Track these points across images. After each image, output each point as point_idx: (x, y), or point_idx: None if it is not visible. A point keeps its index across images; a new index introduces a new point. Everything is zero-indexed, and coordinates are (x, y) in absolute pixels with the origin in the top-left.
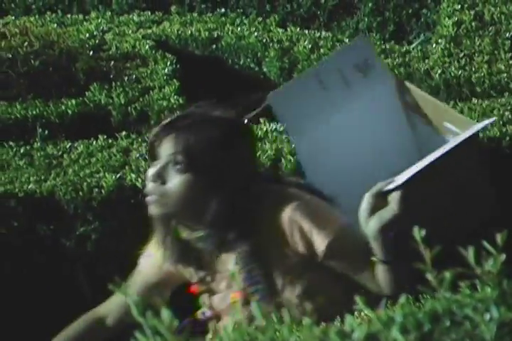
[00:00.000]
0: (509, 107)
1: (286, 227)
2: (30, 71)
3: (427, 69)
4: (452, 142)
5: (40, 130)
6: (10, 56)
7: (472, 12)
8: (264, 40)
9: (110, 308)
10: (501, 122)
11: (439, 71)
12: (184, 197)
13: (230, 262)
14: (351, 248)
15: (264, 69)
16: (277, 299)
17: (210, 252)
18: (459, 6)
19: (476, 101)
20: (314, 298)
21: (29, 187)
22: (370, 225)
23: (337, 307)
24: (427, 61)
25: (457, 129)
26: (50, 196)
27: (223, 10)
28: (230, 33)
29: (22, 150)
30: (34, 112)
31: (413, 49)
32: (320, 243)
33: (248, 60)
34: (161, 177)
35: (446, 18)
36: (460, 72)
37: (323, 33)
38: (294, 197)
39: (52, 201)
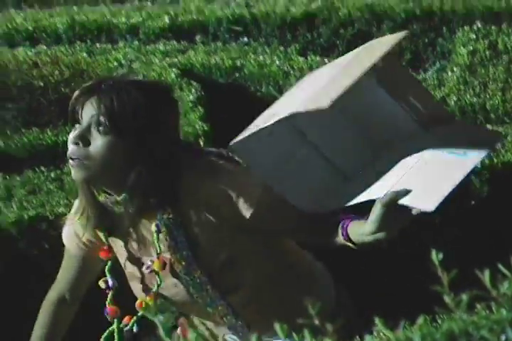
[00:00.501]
0: None
1: (212, 195)
2: (60, 98)
3: (443, 97)
4: (471, 160)
5: None
6: (42, 84)
7: (486, 41)
8: (285, 69)
9: (63, 286)
10: None
11: (455, 98)
12: (107, 159)
13: (149, 228)
14: (277, 208)
15: None
16: (204, 265)
17: (129, 217)
18: (474, 36)
19: (490, 127)
20: (241, 264)
21: (60, 210)
22: (377, 236)
23: (266, 279)
24: (442, 88)
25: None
26: None
27: (246, 39)
28: (252, 61)
29: (53, 175)
30: (64, 138)
31: (429, 77)
32: (247, 208)
33: (270, 87)
34: (83, 140)
35: (462, 47)
36: (475, 99)
37: None
38: (217, 166)
39: None
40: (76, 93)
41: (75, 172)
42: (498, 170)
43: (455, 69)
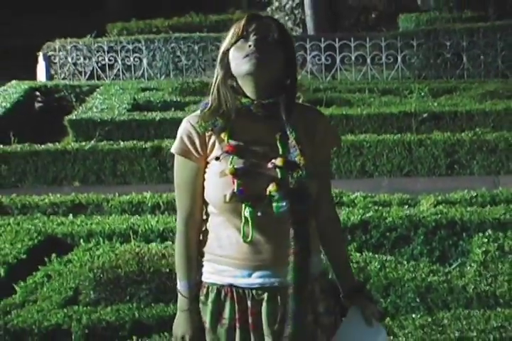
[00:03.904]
0: None
1: (316, 123)
2: None
3: (464, 285)
4: None
5: None
6: (167, 270)
7: (495, 244)
8: None
9: (187, 208)
10: None
11: (472, 287)
12: (275, 60)
13: (270, 134)
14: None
15: None
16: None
17: (258, 120)
18: (486, 240)
19: (500, 309)
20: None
21: None
22: None
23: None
24: (463, 279)
25: None
26: None
27: None
28: None
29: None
30: None
31: (453, 270)
32: (328, 146)
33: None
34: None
35: (477, 249)
36: (488, 287)
37: (388, 257)
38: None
39: None
40: (247, 17)
41: (252, 65)
42: None
43: (472, 264)
